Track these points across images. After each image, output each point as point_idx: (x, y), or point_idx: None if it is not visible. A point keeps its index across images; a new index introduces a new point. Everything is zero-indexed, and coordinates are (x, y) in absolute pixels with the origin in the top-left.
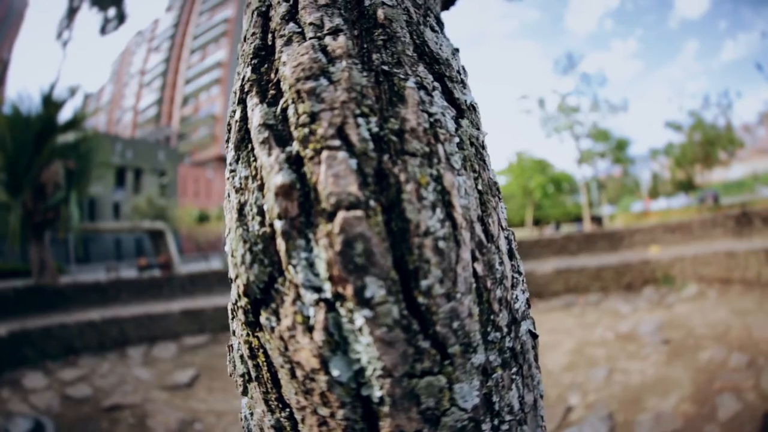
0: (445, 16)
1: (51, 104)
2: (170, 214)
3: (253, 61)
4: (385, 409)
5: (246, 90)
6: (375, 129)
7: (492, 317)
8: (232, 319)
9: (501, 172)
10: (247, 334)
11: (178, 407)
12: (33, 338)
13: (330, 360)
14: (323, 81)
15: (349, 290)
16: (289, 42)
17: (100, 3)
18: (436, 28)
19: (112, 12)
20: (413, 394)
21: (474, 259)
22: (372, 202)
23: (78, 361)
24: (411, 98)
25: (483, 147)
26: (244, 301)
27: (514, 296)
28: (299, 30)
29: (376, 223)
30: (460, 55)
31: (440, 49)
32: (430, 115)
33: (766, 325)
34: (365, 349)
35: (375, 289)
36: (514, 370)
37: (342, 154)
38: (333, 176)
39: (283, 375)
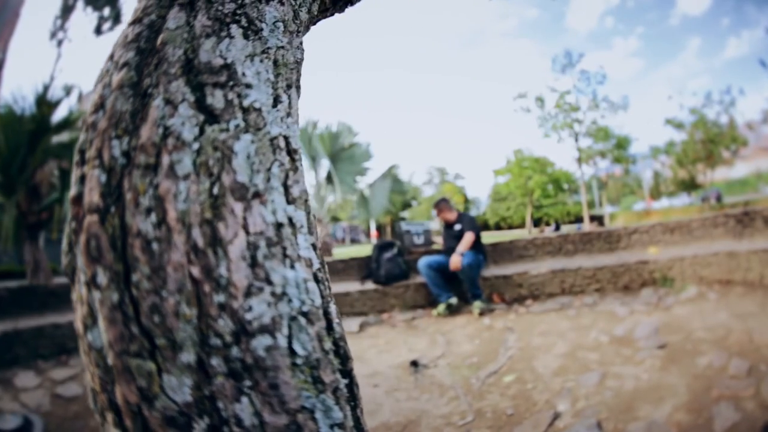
0: (443, 16)
1: (45, 104)
2: None
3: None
4: (115, 377)
5: (84, 122)
6: (125, 147)
7: (210, 322)
8: None
9: (498, 170)
10: None
11: None
12: (25, 338)
13: (89, 328)
14: (100, 113)
15: (90, 275)
16: (100, 79)
17: (95, 2)
18: (234, 34)
19: (107, 11)
20: (129, 371)
21: (189, 262)
22: (113, 209)
23: (69, 361)
24: (151, 115)
25: (233, 150)
26: (67, 279)
27: (247, 306)
28: (108, 69)
29: (111, 225)
30: (278, 54)
31: (218, 57)
32: (166, 128)
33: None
34: (101, 324)
35: (102, 276)
36: (247, 383)
37: (96, 171)
38: (88, 189)
39: (79, 335)
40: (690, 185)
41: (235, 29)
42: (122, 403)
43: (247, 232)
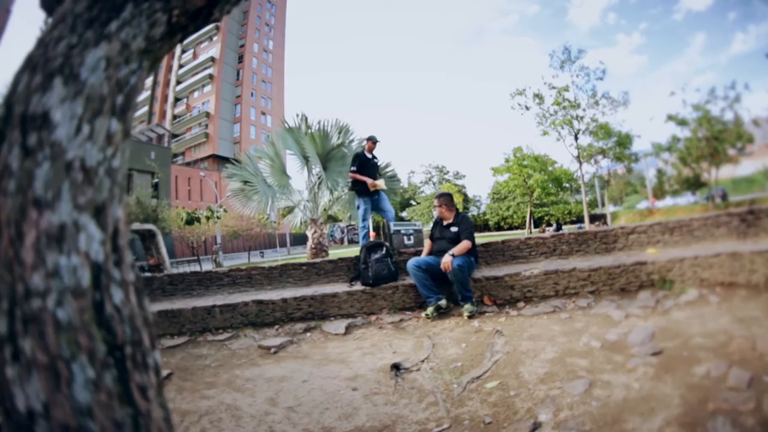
0: (443, 14)
1: None
2: (161, 214)
3: None
4: None
5: None
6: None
7: (15, 285)
8: None
9: (497, 169)
10: None
11: None
12: None
13: None
14: None
15: None
16: None
17: None
18: (55, 85)
19: None
20: None
21: (8, 247)
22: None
23: None
24: (2, 156)
25: (34, 175)
26: None
27: (30, 278)
28: None
29: None
30: (91, 90)
31: (40, 107)
32: (6, 165)
33: None
34: None
35: None
36: (30, 329)
37: None
38: None
39: None
40: (694, 183)
41: (57, 80)
42: None
43: (37, 230)
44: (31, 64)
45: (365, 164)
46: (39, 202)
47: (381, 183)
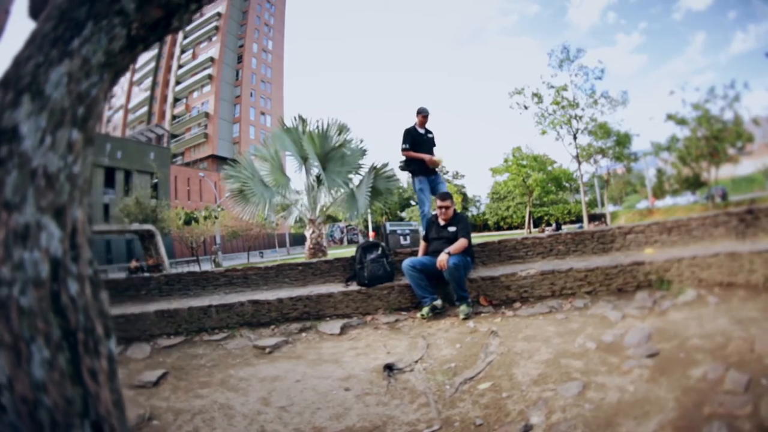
0: (442, 13)
1: None
2: (161, 215)
3: None
4: None
5: None
6: None
7: None
8: None
9: (496, 169)
10: None
11: (140, 405)
12: None
13: None
14: None
15: None
16: None
17: None
18: (24, 101)
19: None
20: None
21: None
22: None
23: None
24: None
25: (4, 182)
26: None
27: (0, 269)
28: None
29: None
30: (54, 104)
31: (10, 121)
32: None
33: None
34: None
35: None
36: (1, 312)
37: None
38: None
39: None
40: (694, 183)
41: (25, 97)
42: None
43: (6, 229)
44: (5, 82)
45: (418, 140)
46: (8, 205)
47: (439, 159)
